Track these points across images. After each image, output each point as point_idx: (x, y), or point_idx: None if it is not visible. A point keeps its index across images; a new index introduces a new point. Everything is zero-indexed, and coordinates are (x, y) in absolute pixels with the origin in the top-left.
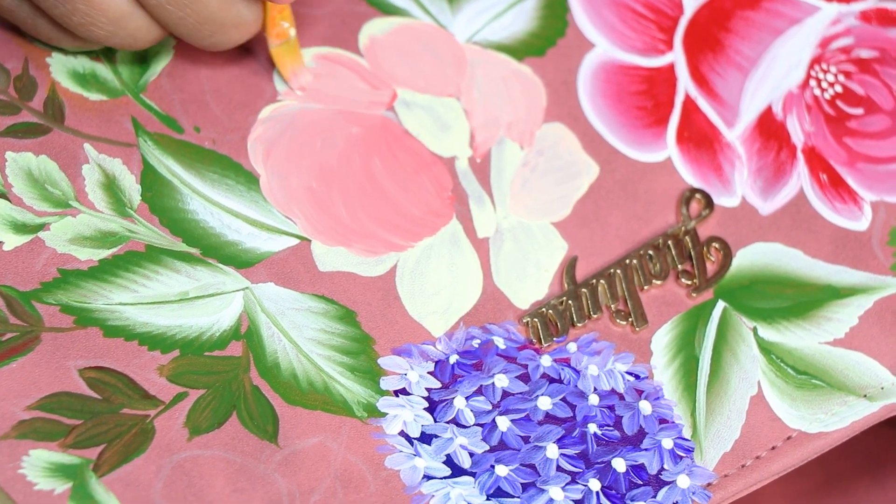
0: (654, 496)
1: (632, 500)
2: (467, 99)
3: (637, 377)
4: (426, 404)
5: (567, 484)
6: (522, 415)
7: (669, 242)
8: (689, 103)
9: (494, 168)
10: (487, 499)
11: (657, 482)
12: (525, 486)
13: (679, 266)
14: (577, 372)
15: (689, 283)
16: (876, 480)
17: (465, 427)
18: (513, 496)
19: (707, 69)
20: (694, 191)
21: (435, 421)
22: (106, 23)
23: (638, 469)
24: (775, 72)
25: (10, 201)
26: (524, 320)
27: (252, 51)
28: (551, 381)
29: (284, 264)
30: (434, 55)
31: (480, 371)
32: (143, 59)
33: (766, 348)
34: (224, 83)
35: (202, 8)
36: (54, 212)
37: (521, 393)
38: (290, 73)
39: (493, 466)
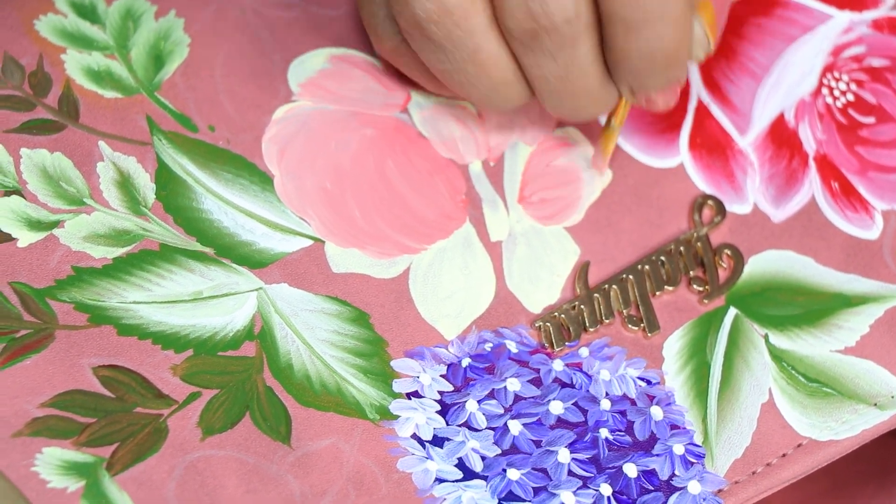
0: (665, 502)
1: None
2: None
3: (649, 383)
4: (438, 407)
5: (578, 488)
6: (534, 419)
7: (681, 248)
8: (701, 110)
9: (508, 171)
10: (499, 502)
11: (668, 488)
12: (536, 490)
13: (691, 272)
14: (589, 377)
15: (701, 289)
16: (881, 487)
17: (477, 430)
18: (524, 500)
19: (720, 76)
20: (706, 197)
21: (447, 424)
22: (487, 86)
23: (649, 474)
24: (788, 79)
25: (24, 198)
26: (536, 324)
27: (266, 51)
28: (563, 385)
29: (298, 265)
30: None
31: (492, 375)
32: (157, 57)
33: (777, 356)
34: (238, 83)
35: (581, 86)
36: (69, 209)
37: (533, 397)
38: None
39: (504, 470)
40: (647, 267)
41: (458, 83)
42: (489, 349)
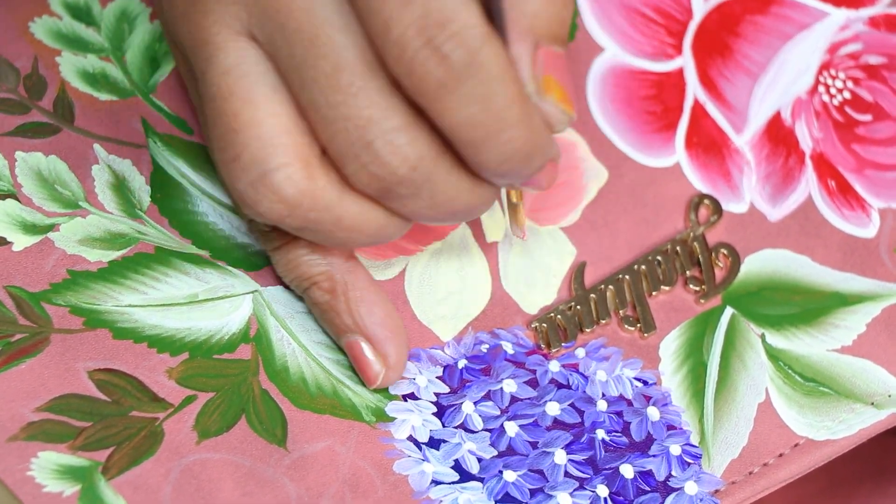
0: (662, 502)
1: None
2: None
3: (645, 383)
4: (434, 409)
5: (575, 490)
6: (531, 420)
7: (678, 248)
8: (697, 108)
9: None
10: None
11: (665, 488)
12: (533, 492)
13: (687, 272)
14: (586, 377)
15: (698, 289)
16: (878, 486)
17: (473, 432)
18: (521, 502)
19: (716, 74)
20: (702, 196)
21: (443, 426)
22: (364, 239)
23: (646, 475)
24: (784, 77)
25: (19, 201)
26: (533, 325)
27: None
28: (559, 386)
29: None
30: None
31: (489, 376)
32: (152, 59)
33: (773, 355)
34: None
35: (453, 206)
36: (64, 212)
37: (529, 398)
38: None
39: (501, 472)
40: (643, 267)
41: (335, 245)
42: (485, 350)
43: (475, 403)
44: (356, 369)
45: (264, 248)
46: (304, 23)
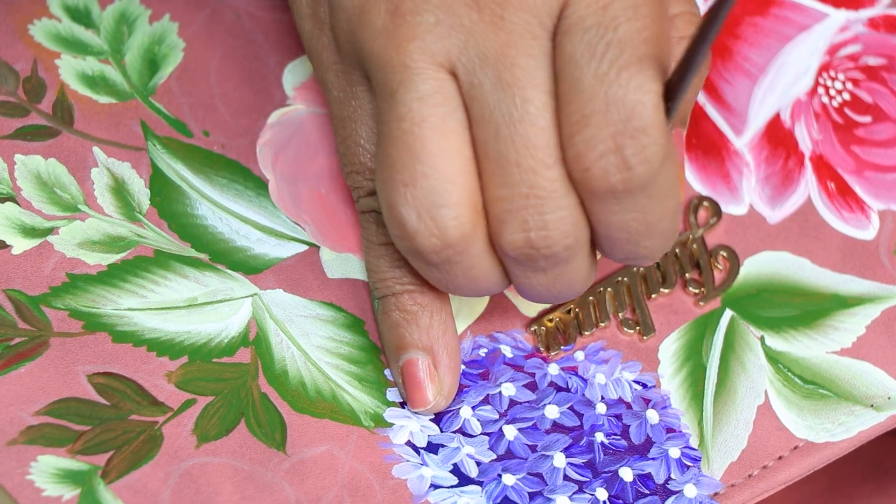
0: None
1: None
2: None
3: (644, 386)
4: (432, 415)
5: (574, 493)
6: (529, 423)
7: (677, 250)
8: (697, 110)
9: None
10: None
11: (664, 491)
12: (532, 495)
13: (687, 274)
14: (585, 380)
15: (697, 291)
16: (879, 487)
17: (471, 436)
18: None
19: (715, 76)
20: (702, 198)
21: (441, 431)
22: (473, 292)
23: (645, 478)
24: (784, 79)
25: (18, 205)
26: (532, 328)
27: (261, 55)
28: (558, 389)
29: (293, 271)
30: None
31: (487, 380)
32: (152, 62)
33: (773, 357)
34: (233, 87)
35: (568, 291)
36: (63, 216)
37: (528, 402)
38: None
39: (500, 475)
40: (642, 269)
41: (445, 287)
42: (483, 355)
43: (473, 408)
44: (406, 388)
45: (367, 238)
46: (522, 80)
